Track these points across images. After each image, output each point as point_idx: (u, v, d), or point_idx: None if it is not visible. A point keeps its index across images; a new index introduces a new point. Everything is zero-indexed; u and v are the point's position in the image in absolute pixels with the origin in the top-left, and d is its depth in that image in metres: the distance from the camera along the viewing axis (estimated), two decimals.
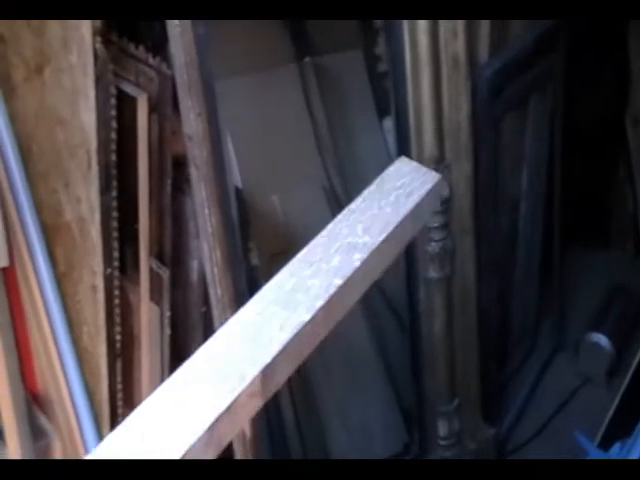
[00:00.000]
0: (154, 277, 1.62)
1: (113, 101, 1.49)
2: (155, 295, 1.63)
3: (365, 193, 0.82)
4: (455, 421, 1.54)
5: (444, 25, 1.21)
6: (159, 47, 1.41)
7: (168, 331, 1.64)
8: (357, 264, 0.73)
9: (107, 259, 1.65)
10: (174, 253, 1.59)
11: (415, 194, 0.81)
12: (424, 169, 0.89)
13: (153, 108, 1.47)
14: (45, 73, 1.53)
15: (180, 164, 1.50)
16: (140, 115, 1.48)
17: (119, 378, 1.73)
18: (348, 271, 0.72)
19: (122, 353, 1.72)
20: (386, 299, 1.64)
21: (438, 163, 1.30)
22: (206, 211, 1.50)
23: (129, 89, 1.47)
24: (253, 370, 0.64)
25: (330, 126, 1.57)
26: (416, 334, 1.46)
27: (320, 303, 0.69)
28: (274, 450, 1.60)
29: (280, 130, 1.54)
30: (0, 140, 1.63)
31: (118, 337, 1.71)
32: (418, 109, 1.27)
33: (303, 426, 1.62)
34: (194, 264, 1.60)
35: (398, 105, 1.28)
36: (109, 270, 1.66)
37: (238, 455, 1.58)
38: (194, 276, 1.61)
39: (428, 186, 0.84)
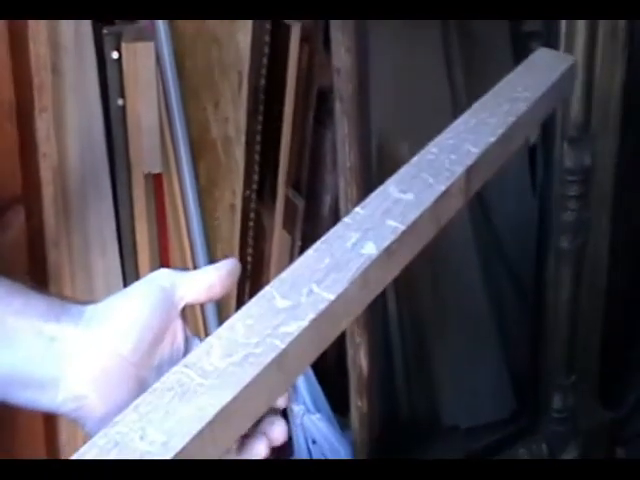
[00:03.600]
0: (289, 205, 1.63)
1: (268, 26, 1.49)
2: (288, 224, 1.64)
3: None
4: (570, 396, 1.49)
5: None
6: None
7: None
8: (524, 109, 0.86)
9: (247, 181, 1.68)
10: (309, 185, 1.60)
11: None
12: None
13: (305, 38, 1.46)
14: None
15: (324, 97, 1.50)
16: (292, 43, 1.47)
17: (246, 299, 1.78)
18: (518, 113, 0.85)
19: (251, 275, 1.76)
20: (508, 265, 1.59)
21: (583, 132, 1.23)
22: (346, 146, 1.48)
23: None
24: (459, 169, 0.77)
25: (467, 85, 1.52)
26: (540, 303, 1.41)
27: (501, 131, 0.82)
28: (384, 392, 1.61)
29: (417, 79, 1.51)
30: (161, 54, 1.67)
31: (249, 259, 1.75)
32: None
33: (413, 385, 1.61)
34: (327, 198, 1.60)
35: None
36: (248, 192, 1.69)
37: (353, 392, 1.61)
38: (326, 210, 1.61)
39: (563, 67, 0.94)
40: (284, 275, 0.65)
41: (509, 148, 0.86)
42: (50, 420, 1.77)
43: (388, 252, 0.69)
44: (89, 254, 1.85)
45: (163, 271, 0.66)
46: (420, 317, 1.60)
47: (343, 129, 1.45)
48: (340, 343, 1.56)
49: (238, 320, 0.61)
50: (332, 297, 0.63)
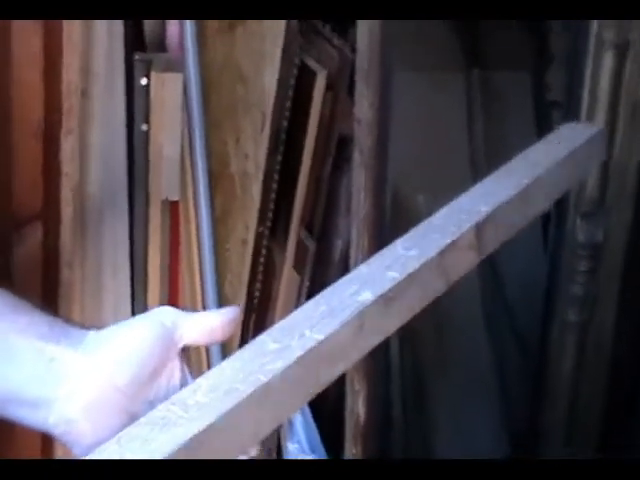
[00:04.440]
0: (300, 246, 1.65)
1: (295, 71, 1.51)
2: (298, 264, 1.66)
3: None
4: None
5: (629, 70, 1.14)
6: (345, 30, 1.42)
7: (303, 301, 1.67)
8: (539, 172, 0.86)
9: (261, 218, 1.70)
10: (322, 228, 1.61)
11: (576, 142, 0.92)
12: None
13: (329, 86, 1.47)
14: (237, 31, 1.58)
15: (344, 143, 1.51)
16: (317, 90, 1.49)
17: (251, 333, 1.79)
18: (532, 177, 0.84)
19: (257, 310, 1.77)
20: (513, 325, 1.60)
21: (597, 207, 1.24)
22: (362, 196, 1.50)
23: (311, 63, 1.49)
24: (467, 224, 0.77)
25: (486, 141, 1.53)
26: (543, 367, 1.42)
27: (513, 192, 0.82)
28: (380, 439, 1.62)
29: (437, 133, 1.52)
30: (188, 86, 1.69)
31: (257, 294, 1.76)
32: None
33: (410, 435, 1.62)
34: (339, 242, 1.61)
35: None
36: (261, 228, 1.71)
37: (348, 438, 1.61)
38: (337, 254, 1.62)
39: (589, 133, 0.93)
40: (281, 322, 0.66)
41: (525, 210, 0.85)
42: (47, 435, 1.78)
43: (385, 299, 0.69)
44: (101, 275, 1.87)
45: (167, 309, 0.67)
46: (422, 368, 1.61)
47: (360, 179, 1.46)
48: (341, 387, 1.57)
49: (228, 363, 0.63)
50: (321, 337, 0.64)
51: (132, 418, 0.63)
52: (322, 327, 0.65)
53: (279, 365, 0.61)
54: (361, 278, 0.71)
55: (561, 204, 1.28)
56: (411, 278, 0.71)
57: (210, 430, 0.57)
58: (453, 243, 0.76)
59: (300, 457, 1.71)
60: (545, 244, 1.54)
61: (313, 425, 1.70)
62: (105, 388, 0.63)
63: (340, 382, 1.57)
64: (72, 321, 0.68)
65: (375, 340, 0.69)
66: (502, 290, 1.61)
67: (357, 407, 1.58)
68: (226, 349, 1.74)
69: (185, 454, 0.56)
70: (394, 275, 0.70)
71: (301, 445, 1.71)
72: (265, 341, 0.64)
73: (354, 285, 0.70)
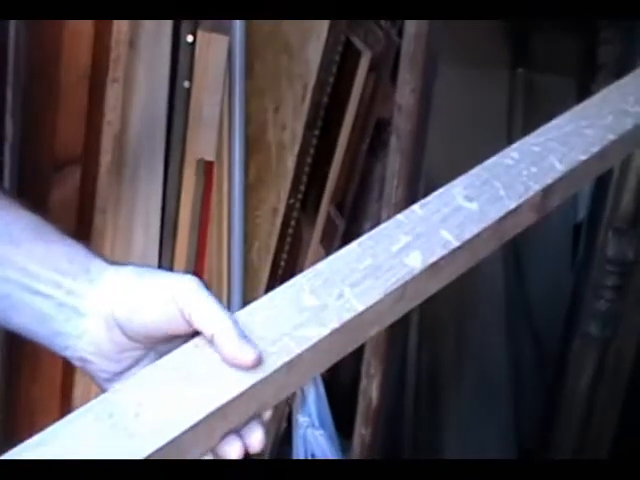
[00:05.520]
0: (329, 223, 1.63)
1: (340, 48, 1.48)
2: (326, 240, 1.64)
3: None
4: None
5: None
6: None
7: None
8: (629, 127, 0.77)
9: (294, 189, 1.68)
10: (353, 208, 1.59)
11: None
12: None
13: (373, 68, 1.44)
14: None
15: (381, 128, 1.48)
16: (360, 70, 1.46)
17: None
18: (621, 130, 0.76)
19: (281, 280, 1.76)
20: (533, 333, 1.58)
21: (631, 225, 1.21)
22: (395, 182, 1.47)
23: (357, 43, 1.46)
24: (536, 186, 0.69)
25: None
26: (560, 380, 1.40)
27: (595, 149, 0.74)
28: (390, 426, 1.62)
29: (475, 128, 1.49)
30: (233, 50, 1.67)
31: (282, 264, 1.76)
32: (625, 164, 1.18)
33: (420, 425, 1.62)
34: (368, 225, 1.59)
35: None
36: (292, 200, 1.69)
37: (359, 419, 1.61)
38: None
39: None
40: (320, 266, 0.60)
41: (599, 168, 0.77)
42: (68, 372, 1.83)
43: (434, 268, 0.62)
44: (132, 226, 1.88)
45: (191, 285, 0.60)
46: (438, 362, 1.60)
47: (395, 165, 1.44)
48: (357, 369, 1.56)
49: (260, 306, 0.58)
50: (361, 308, 0.58)
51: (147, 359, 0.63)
52: (363, 291, 0.59)
53: (313, 334, 0.56)
54: (413, 227, 0.64)
55: (594, 217, 1.25)
56: (465, 244, 0.64)
57: (237, 398, 0.54)
58: (517, 208, 0.68)
59: (309, 431, 1.72)
60: (574, 256, 1.51)
61: (326, 401, 1.70)
62: (114, 329, 0.62)
63: (356, 364, 1.57)
64: (95, 252, 0.67)
65: (412, 306, 0.63)
66: (527, 297, 1.59)
67: (370, 391, 1.58)
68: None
69: (206, 423, 0.52)
70: (448, 237, 0.63)
71: (311, 419, 1.72)
72: (303, 288, 0.58)
73: (403, 236, 0.63)
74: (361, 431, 1.64)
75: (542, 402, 1.49)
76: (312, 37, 1.50)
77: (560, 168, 0.71)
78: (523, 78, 1.49)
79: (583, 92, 1.52)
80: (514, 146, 0.73)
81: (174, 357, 0.56)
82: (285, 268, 1.76)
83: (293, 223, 1.70)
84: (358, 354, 1.51)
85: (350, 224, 1.60)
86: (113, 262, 0.65)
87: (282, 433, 1.78)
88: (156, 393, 0.54)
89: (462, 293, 1.43)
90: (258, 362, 0.55)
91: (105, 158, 1.87)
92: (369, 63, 1.43)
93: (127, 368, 0.64)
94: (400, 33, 1.35)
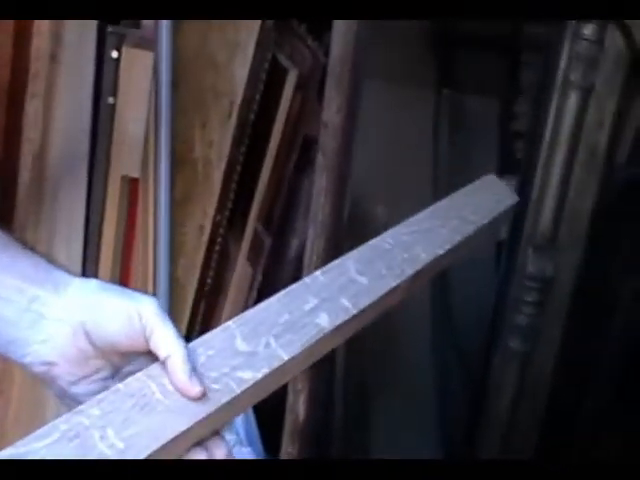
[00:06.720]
0: (256, 240, 1.63)
1: (266, 65, 1.49)
2: (252, 257, 1.65)
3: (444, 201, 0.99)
4: None
5: (591, 114, 1.13)
6: (320, 31, 1.39)
7: (254, 294, 1.66)
8: (470, 232, 0.95)
9: (220, 206, 1.68)
10: (279, 225, 1.60)
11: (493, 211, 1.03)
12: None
13: (299, 86, 1.46)
14: (213, 21, 1.55)
15: (308, 145, 1.50)
16: (287, 87, 1.47)
17: (199, 318, 1.78)
18: (465, 233, 0.95)
19: (208, 297, 1.76)
20: (458, 347, 1.61)
21: (550, 242, 1.24)
22: (321, 199, 1.48)
23: (283, 60, 1.47)
24: (409, 270, 0.85)
25: (450, 160, 1.53)
26: (482, 396, 1.42)
27: (448, 246, 0.91)
28: (318, 441, 1.62)
29: (402, 146, 1.51)
30: (158, 66, 1.66)
31: (209, 280, 1.75)
32: (544, 184, 1.21)
33: (348, 440, 1.62)
34: (294, 242, 1.60)
35: (525, 172, 1.23)
36: (219, 217, 1.69)
37: (286, 436, 1.61)
38: (292, 253, 1.61)
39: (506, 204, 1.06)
40: (247, 315, 0.72)
41: (453, 258, 0.96)
42: None
43: (338, 328, 0.77)
44: (53, 243, 1.85)
45: (151, 309, 0.65)
46: (366, 375, 1.61)
47: (321, 182, 1.45)
48: (283, 385, 1.56)
49: (200, 346, 0.68)
50: (286, 357, 0.71)
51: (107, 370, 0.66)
52: (285, 343, 0.72)
53: (249, 377, 0.68)
54: (319, 292, 0.78)
55: (515, 234, 1.27)
56: (360, 312, 0.79)
57: (188, 430, 0.63)
58: (397, 287, 0.84)
59: (236, 449, 1.71)
60: (497, 273, 1.54)
61: (253, 419, 1.70)
62: (80, 335, 0.64)
63: None
64: (60, 265, 0.68)
65: (321, 356, 0.78)
66: (451, 313, 1.61)
67: (297, 406, 1.58)
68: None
69: (163, 449, 0.60)
70: (347, 305, 0.79)
71: (239, 437, 1.71)
72: (234, 335, 0.70)
73: (312, 298, 0.77)
74: (288, 449, 1.63)
75: (466, 415, 1.51)
76: (238, 54, 1.50)
77: (424, 258, 0.88)
78: (448, 98, 1.52)
79: (507, 113, 1.56)
80: (388, 233, 0.89)
81: (128, 383, 0.63)
82: (212, 285, 1.75)
83: (220, 239, 1.70)
84: None
85: (277, 240, 1.60)
86: (76, 275, 0.68)
87: None
88: (117, 417, 0.60)
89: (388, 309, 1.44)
90: (202, 396, 0.64)
91: (24, 176, 1.84)
92: (296, 81, 1.45)
93: (94, 372, 0.66)
94: (327, 52, 1.36)
